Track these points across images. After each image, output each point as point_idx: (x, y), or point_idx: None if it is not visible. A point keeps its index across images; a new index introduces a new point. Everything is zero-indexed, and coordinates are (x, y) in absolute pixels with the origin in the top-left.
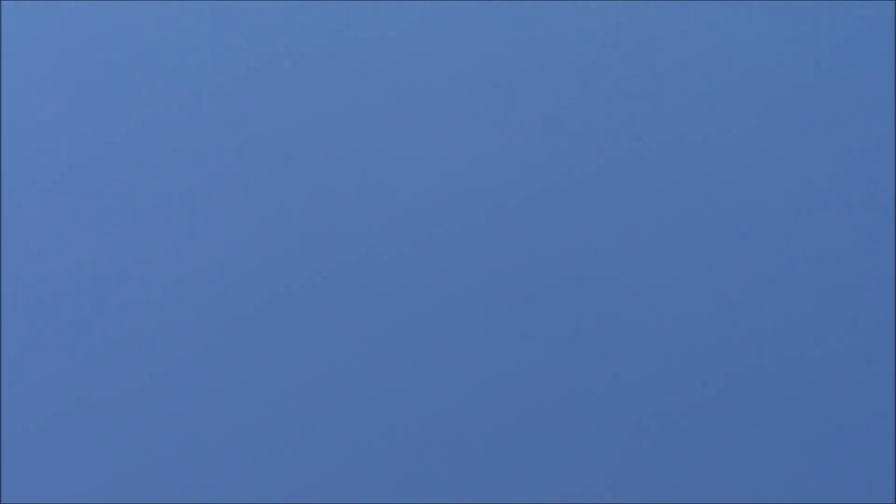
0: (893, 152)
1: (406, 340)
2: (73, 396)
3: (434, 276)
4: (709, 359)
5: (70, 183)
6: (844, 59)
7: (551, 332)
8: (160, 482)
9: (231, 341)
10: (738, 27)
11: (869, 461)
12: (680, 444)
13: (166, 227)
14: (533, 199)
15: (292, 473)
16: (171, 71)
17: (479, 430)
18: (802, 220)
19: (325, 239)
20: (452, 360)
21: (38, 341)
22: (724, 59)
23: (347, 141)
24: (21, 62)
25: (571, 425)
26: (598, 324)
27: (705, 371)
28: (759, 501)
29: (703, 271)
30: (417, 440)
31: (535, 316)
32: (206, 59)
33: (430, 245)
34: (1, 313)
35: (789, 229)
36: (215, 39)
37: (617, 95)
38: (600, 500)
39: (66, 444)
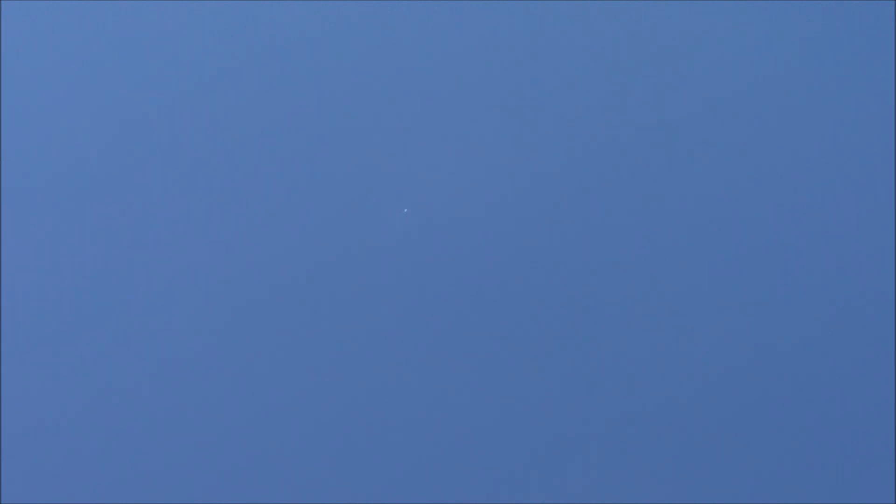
0: (893, 152)
1: (404, 339)
2: (72, 396)
3: (432, 275)
4: (708, 358)
5: (69, 182)
6: (844, 59)
7: (550, 331)
8: (160, 482)
9: (232, 342)
10: (738, 27)
11: (869, 461)
12: (679, 443)
13: (166, 226)
14: (532, 198)
15: (292, 473)
16: (170, 70)
17: (477, 429)
18: (802, 220)
19: (323, 239)
20: (451, 359)
21: (38, 340)
22: (723, 58)
23: (346, 140)
24: (21, 62)
25: (568, 424)
26: (598, 323)
27: (704, 370)
28: (758, 501)
29: (703, 271)
30: (415, 439)
31: (533, 315)
32: (206, 59)
33: (427, 244)
34: (1, 313)
35: (789, 229)
36: (215, 39)
37: (616, 95)
38: (599, 500)
39: (65, 444)
